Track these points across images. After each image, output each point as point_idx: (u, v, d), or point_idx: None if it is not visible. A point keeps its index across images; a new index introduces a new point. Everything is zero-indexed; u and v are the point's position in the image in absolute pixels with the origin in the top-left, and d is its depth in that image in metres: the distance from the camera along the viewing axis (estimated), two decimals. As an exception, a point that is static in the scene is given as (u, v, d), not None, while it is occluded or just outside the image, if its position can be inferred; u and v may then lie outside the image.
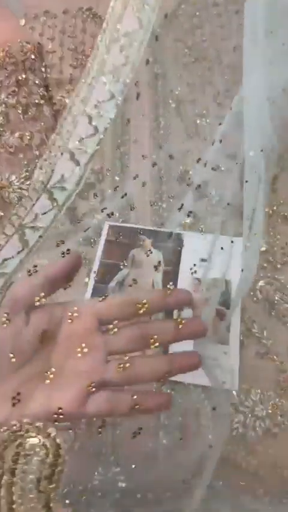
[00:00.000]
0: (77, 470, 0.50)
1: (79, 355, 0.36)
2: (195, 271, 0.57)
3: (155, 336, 0.39)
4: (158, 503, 0.50)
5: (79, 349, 0.36)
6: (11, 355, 0.35)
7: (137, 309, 0.39)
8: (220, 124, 0.70)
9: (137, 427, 0.48)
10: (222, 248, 0.59)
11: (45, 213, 0.41)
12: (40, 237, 0.37)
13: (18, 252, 0.36)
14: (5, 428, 0.33)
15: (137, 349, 0.39)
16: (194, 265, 0.58)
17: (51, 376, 0.35)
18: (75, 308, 0.38)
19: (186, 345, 0.52)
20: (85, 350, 0.37)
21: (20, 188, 0.65)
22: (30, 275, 0.37)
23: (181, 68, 0.80)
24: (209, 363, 0.51)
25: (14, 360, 0.34)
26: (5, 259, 0.36)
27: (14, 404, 0.34)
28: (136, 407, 0.38)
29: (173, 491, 0.50)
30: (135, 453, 0.48)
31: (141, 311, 0.39)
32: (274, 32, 0.49)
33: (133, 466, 0.48)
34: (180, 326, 0.40)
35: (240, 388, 0.49)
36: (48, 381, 0.35)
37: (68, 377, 0.36)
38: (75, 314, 0.38)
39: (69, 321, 0.37)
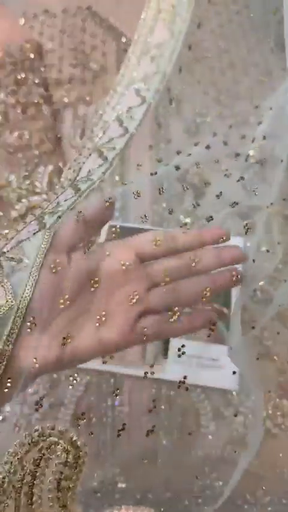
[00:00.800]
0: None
1: (121, 288, 0.38)
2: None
3: (196, 260, 0.40)
4: (158, 503, 0.50)
5: (121, 281, 0.38)
6: (58, 297, 0.35)
7: (173, 244, 0.40)
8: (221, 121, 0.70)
9: (136, 428, 0.48)
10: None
11: (66, 200, 0.42)
12: (59, 217, 0.38)
13: (34, 233, 0.37)
14: (27, 433, 0.34)
15: (179, 276, 0.40)
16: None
17: (103, 319, 0.37)
18: (112, 245, 0.40)
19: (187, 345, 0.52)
20: (127, 284, 0.38)
21: (19, 188, 0.65)
22: (77, 220, 0.38)
23: (181, 67, 0.80)
24: (209, 363, 0.51)
25: (61, 300, 0.35)
26: (20, 241, 0.37)
27: (63, 344, 0.35)
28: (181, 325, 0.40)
29: (173, 491, 0.50)
30: (135, 453, 0.48)
31: (177, 245, 0.40)
32: None
33: (133, 466, 0.48)
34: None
35: (241, 389, 0.49)
36: (98, 324, 0.37)
37: (114, 310, 0.37)
38: (113, 251, 0.39)
39: (107, 257, 0.38)
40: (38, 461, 0.33)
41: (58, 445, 0.34)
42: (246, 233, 0.61)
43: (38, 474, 0.33)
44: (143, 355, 0.52)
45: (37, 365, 0.33)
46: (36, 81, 0.76)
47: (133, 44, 0.56)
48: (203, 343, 0.52)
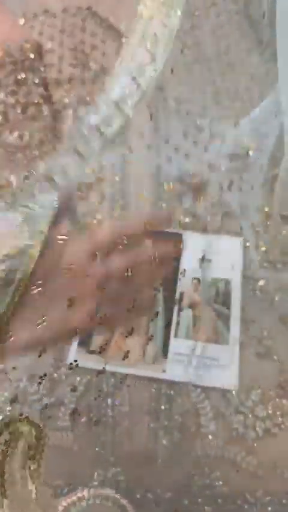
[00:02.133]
0: (76, 470, 0.50)
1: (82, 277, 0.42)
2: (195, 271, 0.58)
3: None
4: (158, 503, 0.50)
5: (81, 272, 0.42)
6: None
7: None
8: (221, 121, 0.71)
9: (136, 425, 0.48)
10: (222, 248, 0.60)
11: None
12: None
13: None
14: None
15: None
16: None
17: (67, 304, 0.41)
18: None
19: (187, 345, 0.52)
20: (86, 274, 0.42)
21: (20, 188, 0.65)
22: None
23: (181, 68, 0.80)
24: (209, 363, 0.51)
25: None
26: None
27: (38, 325, 0.39)
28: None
29: (173, 491, 0.50)
30: (135, 453, 0.49)
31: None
32: None
33: (133, 466, 0.48)
34: None
35: (240, 388, 0.49)
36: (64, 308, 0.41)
37: (76, 298, 0.41)
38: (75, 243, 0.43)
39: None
40: (9, 442, 0.39)
41: (24, 427, 0.40)
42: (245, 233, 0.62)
43: (8, 454, 0.39)
44: (143, 354, 0.52)
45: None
46: (36, 81, 0.76)
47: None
48: (203, 342, 0.52)
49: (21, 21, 0.87)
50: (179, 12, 0.55)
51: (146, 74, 0.54)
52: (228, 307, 0.55)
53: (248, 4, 0.72)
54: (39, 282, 0.40)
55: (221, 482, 0.48)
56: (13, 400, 0.49)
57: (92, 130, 0.53)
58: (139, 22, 0.55)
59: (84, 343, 0.53)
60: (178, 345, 0.52)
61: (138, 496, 0.50)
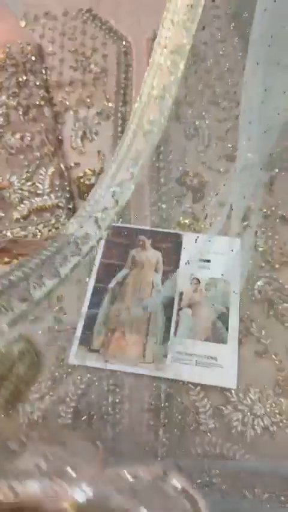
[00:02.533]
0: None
1: None
2: (195, 271, 0.58)
3: None
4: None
5: None
6: None
7: None
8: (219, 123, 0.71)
9: (136, 425, 0.48)
10: (221, 248, 0.60)
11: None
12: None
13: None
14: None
15: None
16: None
17: None
18: None
19: (187, 344, 0.53)
20: None
21: (21, 189, 0.66)
22: None
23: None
24: (208, 362, 0.52)
25: None
26: None
27: None
28: None
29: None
30: (135, 450, 0.49)
31: None
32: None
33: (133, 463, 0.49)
34: None
35: (239, 387, 0.50)
36: None
37: None
38: None
39: None
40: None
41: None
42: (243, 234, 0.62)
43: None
44: (143, 353, 0.52)
45: None
46: (37, 84, 0.77)
47: (130, 121, 0.64)
48: (202, 341, 0.53)
49: (23, 24, 0.88)
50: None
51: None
52: (227, 307, 0.55)
53: (247, 7, 0.73)
54: None
55: (220, 480, 0.48)
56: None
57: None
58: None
59: (85, 342, 0.53)
60: (178, 344, 0.53)
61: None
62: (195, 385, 0.50)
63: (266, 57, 0.51)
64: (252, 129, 0.54)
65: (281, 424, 0.49)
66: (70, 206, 0.64)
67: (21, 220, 0.61)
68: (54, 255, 0.56)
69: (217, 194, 0.66)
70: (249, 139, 0.54)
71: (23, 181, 0.66)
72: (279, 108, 0.53)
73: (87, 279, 0.58)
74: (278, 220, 0.63)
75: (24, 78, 0.77)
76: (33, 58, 0.79)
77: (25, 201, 0.64)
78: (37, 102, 0.75)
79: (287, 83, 0.52)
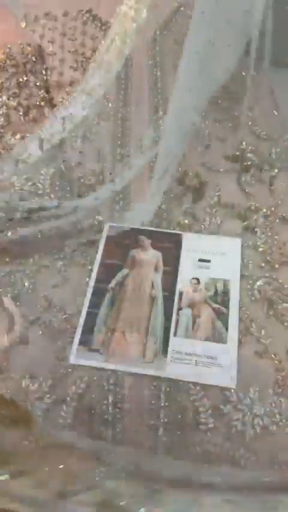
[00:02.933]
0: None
1: None
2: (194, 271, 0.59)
3: None
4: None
5: None
6: None
7: None
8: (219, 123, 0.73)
9: (136, 424, 0.49)
10: (220, 248, 0.60)
11: None
12: None
13: None
14: None
15: None
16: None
17: None
18: None
19: (187, 344, 0.53)
20: None
21: (21, 189, 0.66)
22: None
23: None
24: (208, 361, 0.52)
25: None
26: None
27: None
28: None
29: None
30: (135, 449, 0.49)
31: None
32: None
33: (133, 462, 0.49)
34: None
35: (239, 386, 0.50)
36: None
37: None
38: None
39: None
40: None
41: None
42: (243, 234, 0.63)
43: None
44: (143, 353, 0.52)
45: None
46: (38, 84, 0.77)
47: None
48: (202, 341, 0.53)
49: (23, 25, 0.88)
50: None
51: None
52: (227, 307, 0.55)
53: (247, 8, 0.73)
54: None
55: (219, 479, 0.48)
56: None
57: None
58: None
59: (85, 342, 0.53)
60: (178, 343, 0.53)
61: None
62: (195, 384, 0.50)
63: (212, 9, 0.55)
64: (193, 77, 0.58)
65: (280, 423, 0.49)
66: (71, 206, 0.64)
67: (22, 220, 0.61)
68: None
69: (218, 195, 0.66)
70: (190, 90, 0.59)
71: (23, 181, 0.66)
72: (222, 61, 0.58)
73: (87, 279, 0.58)
74: (278, 220, 0.63)
75: (25, 78, 0.77)
76: (33, 58, 0.80)
77: (25, 201, 0.64)
78: (37, 103, 0.75)
79: (231, 37, 0.58)
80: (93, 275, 0.59)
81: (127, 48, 0.62)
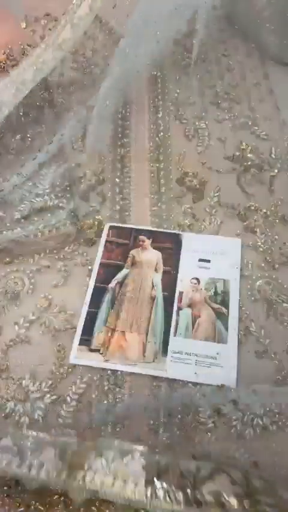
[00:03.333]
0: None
1: None
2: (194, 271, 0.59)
3: None
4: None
5: None
6: None
7: None
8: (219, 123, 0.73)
9: (136, 423, 0.49)
10: (220, 249, 0.60)
11: None
12: None
13: None
14: None
15: None
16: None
17: None
18: None
19: (187, 343, 0.53)
20: None
21: (21, 189, 0.66)
22: None
23: (180, 71, 0.81)
24: (207, 361, 0.52)
25: None
26: None
27: None
28: None
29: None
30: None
31: None
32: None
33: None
34: None
35: (239, 386, 0.50)
36: None
37: None
38: None
39: None
40: None
41: None
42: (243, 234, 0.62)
43: None
44: (143, 353, 0.52)
45: None
46: (38, 84, 0.77)
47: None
48: (202, 341, 0.53)
49: (23, 25, 0.88)
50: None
51: None
52: (227, 307, 0.55)
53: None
54: None
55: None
56: None
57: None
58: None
59: (85, 342, 0.53)
60: (178, 343, 0.53)
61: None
62: (195, 384, 0.50)
63: None
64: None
65: (280, 423, 0.49)
66: (71, 206, 0.64)
67: (22, 220, 0.61)
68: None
69: (218, 195, 0.66)
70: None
71: (24, 181, 0.66)
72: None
73: (87, 279, 0.58)
74: (278, 220, 0.63)
75: (25, 79, 0.77)
76: (33, 59, 0.79)
77: (26, 201, 0.64)
78: (38, 103, 0.75)
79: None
80: (93, 275, 0.59)
81: (97, 3, 0.65)
